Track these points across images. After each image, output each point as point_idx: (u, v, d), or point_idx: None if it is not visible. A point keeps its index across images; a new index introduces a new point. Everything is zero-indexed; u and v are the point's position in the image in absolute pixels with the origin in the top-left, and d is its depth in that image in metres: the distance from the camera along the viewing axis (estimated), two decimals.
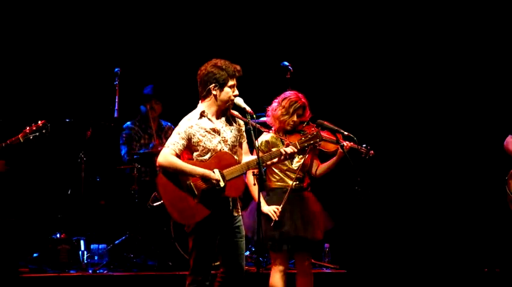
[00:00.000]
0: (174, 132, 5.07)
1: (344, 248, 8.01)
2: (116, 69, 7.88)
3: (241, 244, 5.11)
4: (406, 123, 8.65)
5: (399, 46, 8.71)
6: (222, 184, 4.98)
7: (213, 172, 4.96)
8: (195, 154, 5.05)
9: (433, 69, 8.69)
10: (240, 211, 5.19)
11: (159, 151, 5.09)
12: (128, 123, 8.15)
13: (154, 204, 5.03)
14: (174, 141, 5.01)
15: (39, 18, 8.43)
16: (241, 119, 5.20)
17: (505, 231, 6.46)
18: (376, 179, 8.28)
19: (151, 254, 7.36)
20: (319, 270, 7.44)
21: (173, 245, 7.16)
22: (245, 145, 5.23)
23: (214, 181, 4.94)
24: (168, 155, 4.97)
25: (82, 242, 7.51)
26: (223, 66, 5.09)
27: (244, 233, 5.17)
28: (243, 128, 5.22)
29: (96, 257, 7.56)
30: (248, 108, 5.21)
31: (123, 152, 8.03)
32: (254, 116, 5.33)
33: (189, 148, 5.06)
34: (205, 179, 4.95)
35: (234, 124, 5.19)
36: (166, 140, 5.16)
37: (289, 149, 5.13)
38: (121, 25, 8.66)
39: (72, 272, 7.13)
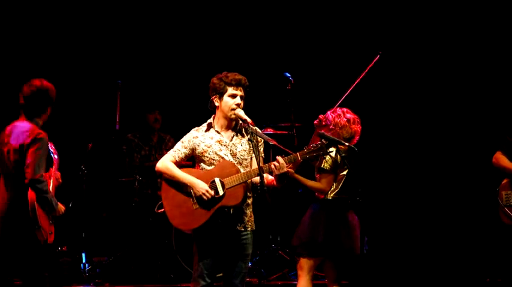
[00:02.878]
0: (180, 140, 5.17)
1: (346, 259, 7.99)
2: (118, 81, 7.90)
3: (242, 263, 5.11)
4: (407, 130, 8.65)
5: (398, 52, 8.72)
6: (220, 192, 5.00)
7: (201, 182, 4.99)
8: (202, 164, 5.12)
9: (429, 78, 8.70)
10: (250, 226, 5.15)
11: None
12: (128, 135, 8.17)
13: (160, 210, 5.14)
14: (176, 149, 5.14)
15: (39, 32, 8.45)
16: (261, 136, 5.15)
17: (499, 241, 6.44)
18: (376, 186, 8.30)
19: (153, 266, 7.35)
20: (321, 281, 7.42)
21: (175, 257, 7.16)
22: (255, 158, 5.13)
23: (200, 192, 4.98)
24: (166, 160, 5.10)
25: (83, 254, 7.50)
26: (223, 77, 5.15)
27: (250, 252, 5.15)
28: (261, 143, 5.20)
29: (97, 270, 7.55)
30: (249, 120, 5.22)
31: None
32: (256, 128, 5.34)
33: (197, 159, 5.15)
34: (194, 187, 5.00)
35: (245, 137, 5.19)
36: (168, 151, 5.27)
37: (277, 163, 5.03)
38: (122, 38, 8.69)
39: (73, 285, 7.12)
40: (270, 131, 7.59)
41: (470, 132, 8.34)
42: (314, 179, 5.73)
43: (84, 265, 7.39)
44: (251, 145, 5.07)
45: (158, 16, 8.80)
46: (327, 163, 5.63)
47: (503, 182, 6.02)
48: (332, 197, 5.69)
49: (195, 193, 5.01)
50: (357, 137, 5.75)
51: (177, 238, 7.17)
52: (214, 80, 5.17)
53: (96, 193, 7.86)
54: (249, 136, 5.13)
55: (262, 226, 7.34)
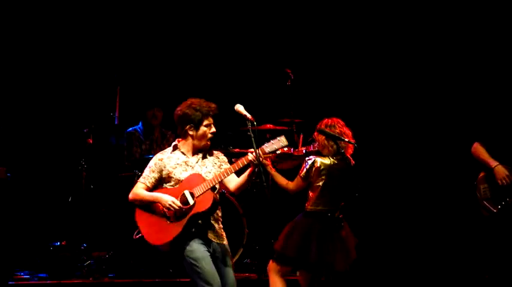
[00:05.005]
0: (147, 166, 5.31)
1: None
2: (115, 75, 7.91)
3: (227, 272, 5.23)
4: (405, 128, 8.66)
5: (397, 51, 8.73)
6: (191, 202, 5.16)
7: (167, 195, 5.15)
8: (167, 185, 5.26)
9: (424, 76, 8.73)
10: (222, 239, 5.29)
11: None
12: (129, 129, 8.16)
13: (137, 236, 5.34)
14: (145, 175, 5.31)
15: (40, 26, 8.45)
16: (221, 153, 5.39)
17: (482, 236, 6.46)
18: (375, 185, 8.30)
19: (152, 261, 7.35)
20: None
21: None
22: (232, 176, 5.29)
23: (166, 203, 5.13)
24: (136, 189, 5.28)
25: (82, 249, 7.50)
26: (198, 107, 5.24)
27: (231, 263, 5.28)
28: (224, 164, 5.36)
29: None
30: (249, 115, 5.24)
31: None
32: (255, 123, 5.36)
33: (163, 181, 5.28)
34: (161, 201, 5.16)
35: (211, 159, 5.35)
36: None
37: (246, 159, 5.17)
38: (122, 33, 8.68)
39: (73, 279, 7.13)
40: (270, 127, 7.60)
41: (457, 128, 8.34)
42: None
43: (84, 259, 7.39)
44: (214, 164, 5.30)
45: (158, 11, 8.79)
46: (303, 170, 5.67)
47: (480, 176, 6.04)
48: (309, 209, 5.70)
49: (163, 207, 5.16)
50: (347, 139, 5.69)
51: None
52: (187, 110, 5.23)
53: (96, 187, 7.86)
54: (217, 160, 5.34)
55: (261, 221, 7.39)
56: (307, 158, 5.71)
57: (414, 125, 8.61)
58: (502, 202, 5.87)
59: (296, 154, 5.91)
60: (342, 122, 5.72)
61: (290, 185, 5.74)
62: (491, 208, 5.87)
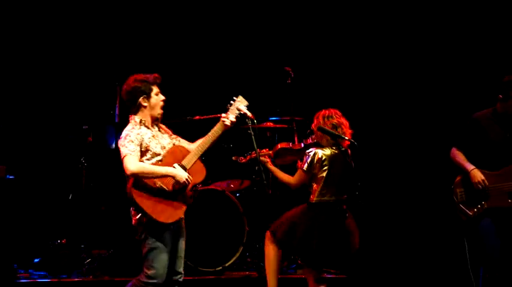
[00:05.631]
0: (124, 142, 5.17)
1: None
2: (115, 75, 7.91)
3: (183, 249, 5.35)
4: (406, 128, 8.66)
5: (397, 50, 8.73)
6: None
7: (175, 168, 5.15)
8: (144, 158, 5.20)
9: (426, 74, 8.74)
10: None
11: None
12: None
13: (137, 216, 5.29)
14: (133, 149, 5.16)
15: (41, 24, 8.45)
16: (168, 131, 5.46)
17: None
18: (375, 183, 8.30)
19: None
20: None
21: None
22: (181, 140, 5.44)
23: (183, 179, 5.13)
24: (135, 162, 5.13)
25: (82, 247, 7.50)
26: (144, 78, 5.32)
27: (185, 237, 5.38)
28: (172, 134, 5.46)
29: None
30: (249, 113, 5.24)
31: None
32: (255, 121, 5.36)
33: (141, 155, 5.24)
34: (176, 176, 5.14)
35: (163, 130, 5.42)
36: None
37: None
38: (121, 31, 8.68)
39: (72, 277, 7.13)
40: (270, 125, 7.59)
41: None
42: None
43: (84, 257, 7.38)
44: (170, 135, 5.38)
45: (158, 9, 8.79)
46: (305, 163, 5.70)
47: (456, 180, 6.09)
48: (315, 200, 5.72)
49: (176, 182, 5.13)
50: (345, 129, 5.74)
51: None
52: (136, 83, 5.29)
53: (96, 186, 7.85)
54: (166, 132, 5.39)
55: (262, 219, 7.38)
56: (307, 151, 5.73)
57: (414, 123, 8.61)
58: (478, 205, 5.93)
59: (295, 148, 5.92)
60: (339, 113, 5.79)
61: (292, 179, 5.77)
62: (468, 212, 5.94)
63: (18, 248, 7.71)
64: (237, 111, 5.34)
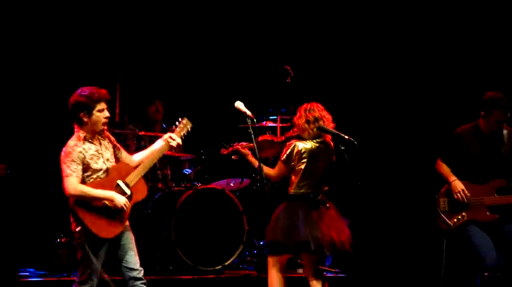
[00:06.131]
0: (66, 160, 5.18)
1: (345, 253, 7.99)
2: (118, 73, 7.90)
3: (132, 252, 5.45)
4: (406, 127, 8.66)
5: (397, 49, 8.73)
6: (128, 192, 5.26)
7: (119, 195, 5.19)
8: (85, 174, 5.23)
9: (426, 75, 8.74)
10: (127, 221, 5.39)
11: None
12: (129, 126, 8.15)
13: (77, 229, 5.31)
14: (74, 169, 5.18)
15: (41, 22, 8.43)
16: (110, 138, 5.43)
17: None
18: (376, 182, 8.30)
19: (152, 258, 7.35)
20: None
21: (174, 249, 7.17)
22: (123, 152, 5.47)
23: (120, 204, 5.18)
24: (76, 184, 5.17)
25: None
26: (88, 94, 5.30)
27: (132, 237, 5.44)
28: (116, 144, 5.46)
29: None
30: (248, 112, 5.24)
31: None
32: (255, 120, 5.35)
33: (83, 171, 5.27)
34: (114, 200, 5.18)
35: (105, 140, 5.40)
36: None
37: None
38: (122, 30, 8.67)
39: (72, 276, 7.12)
40: (270, 123, 7.59)
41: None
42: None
43: None
44: (112, 147, 5.39)
45: (158, 8, 8.78)
46: (284, 155, 5.72)
47: (442, 189, 6.19)
48: (292, 192, 5.74)
49: (114, 205, 5.18)
50: (328, 123, 5.75)
51: (176, 230, 7.17)
52: (78, 98, 5.31)
53: None
54: (108, 140, 5.39)
55: (261, 219, 7.38)
56: (288, 143, 5.74)
57: (413, 120, 8.61)
58: (459, 216, 6.02)
59: (276, 140, 5.92)
60: (321, 106, 5.80)
61: (271, 171, 5.79)
62: (448, 222, 6.04)
63: (19, 247, 7.71)
64: (184, 133, 5.51)
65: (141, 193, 5.35)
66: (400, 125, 8.67)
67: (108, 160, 5.31)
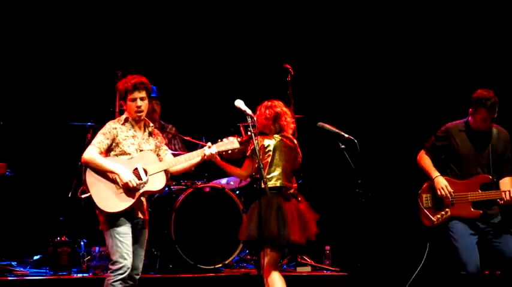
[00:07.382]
0: (99, 132, 5.37)
1: (345, 251, 8.00)
2: (117, 72, 7.88)
3: (142, 250, 5.45)
4: (407, 126, 8.66)
5: (397, 48, 8.73)
6: (144, 178, 5.27)
7: (127, 171, 5.23)
8: (112, 152, 5.34)
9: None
10: (144, 214, 5.43)
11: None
12: None
13: (83, 196, 5.35)
14: (100, 140, 5.34)
15: (40, 20, 8.45)
16: (160, 134, 5.58)
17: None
18: (377, 180, 8.29)
19: (152, 257, 7.35)
20: (320, 272, 7.45)
21: (174, 248, 7.17)
22: (168, 156, 5.52)
23: (124, 180, 5.21)
24: (92, 152, 5.29)
25: (82, 244, 7.51)
26: (126, 82, 5.42)
27: (145, 237, 5.47)
28: (163, 145, 5.55)
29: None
30: (249, 111, 5.24)
31: None
32: (255, 118, 5.36)
33: (110, 149, 5.37)
34: (119, 176, 5.23)
35: (153, 139, 5.50)
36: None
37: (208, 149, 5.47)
38: (121, 28, 8.67)
39: (72, 274, 7.13)
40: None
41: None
42: None
43: (84, 255, 7.39)
44: (155, 144, 5.46)
45: (158, 7, 8.78)
46: (249, 150, 5.76)
47: (424, 185, 6.19)
48: (262, 186, 5.73)
49: (120, 180, 5.23)
50: (288, 119, 5.81)
51: (176, 228, 7.17)
52: (118, 85, 5.46)
53: None
54: (156, 140, 5.48)
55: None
56: (251, 140, 5.74)
57: (413, 120, 8.62)
58: (442, 212, 6.03)
59: (242, 140, 5.93)
60: (280, 102, 5.87)
61: (239, 170, 5.85)
62: (432, 218, 6.05)
63: (19, 245, 7.73)
64: (223, 149, 5.46)
65: (156, 184, 5.36)
66: (400, 125, 8.68)
67: (142, 151, 5.39)
